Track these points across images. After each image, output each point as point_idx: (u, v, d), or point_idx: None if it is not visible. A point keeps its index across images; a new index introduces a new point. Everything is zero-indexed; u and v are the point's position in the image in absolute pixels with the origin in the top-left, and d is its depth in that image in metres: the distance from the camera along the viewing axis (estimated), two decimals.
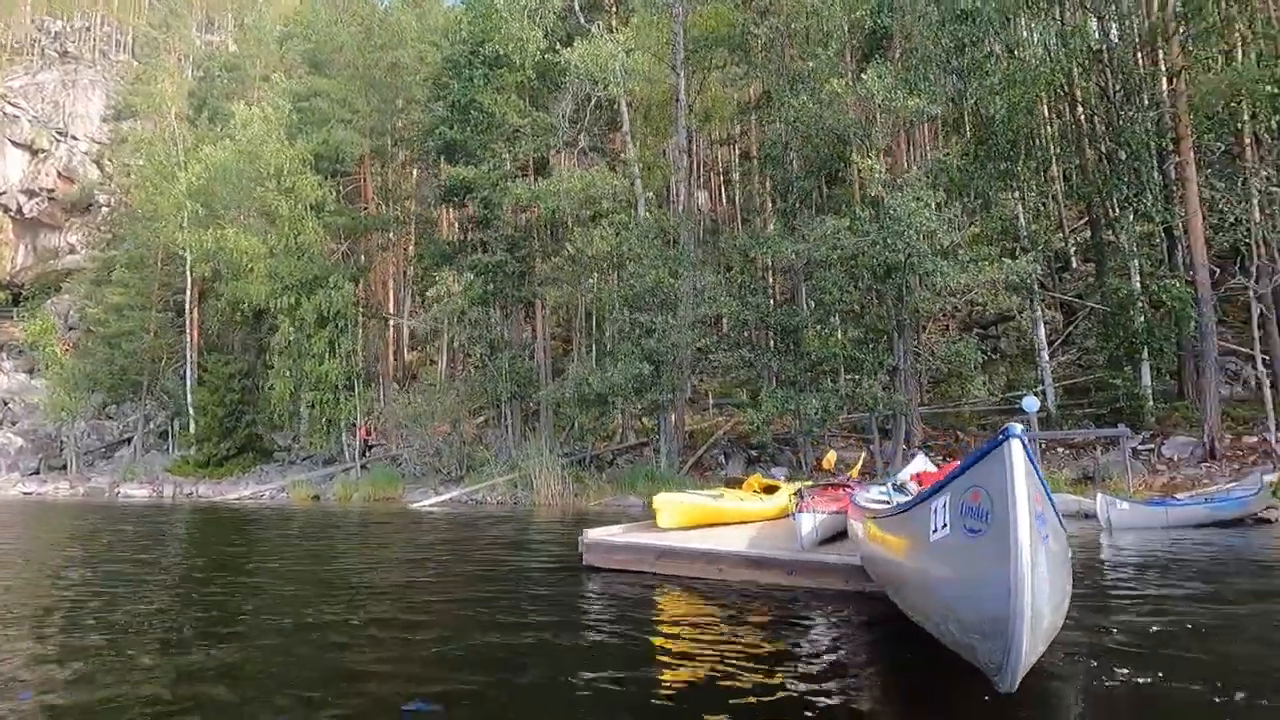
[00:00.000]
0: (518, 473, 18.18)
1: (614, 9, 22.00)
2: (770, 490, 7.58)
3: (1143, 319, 14.48)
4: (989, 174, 15.81)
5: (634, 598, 5.08)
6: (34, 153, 45.55)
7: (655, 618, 4.59)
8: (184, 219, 28.04)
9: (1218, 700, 2.76)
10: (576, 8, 19.66)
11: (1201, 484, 12.20)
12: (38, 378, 39.59)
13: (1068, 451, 15.04)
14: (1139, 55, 15.57)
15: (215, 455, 25.97)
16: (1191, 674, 3.09)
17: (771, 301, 17.55)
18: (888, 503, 4.24)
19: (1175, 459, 13.57)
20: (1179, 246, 15.57)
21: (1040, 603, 2.04)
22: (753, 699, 2.84)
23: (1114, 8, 15.18)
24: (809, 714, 2.67)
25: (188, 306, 30.04)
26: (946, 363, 14.53)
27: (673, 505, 6.33)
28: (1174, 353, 15.12)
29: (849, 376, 16.93)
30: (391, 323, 31.08)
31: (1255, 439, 13.24)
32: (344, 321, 23.55)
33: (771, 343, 18.41)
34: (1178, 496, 11.38)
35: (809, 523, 5.12)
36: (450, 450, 20.94)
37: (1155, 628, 4.05)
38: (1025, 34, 16.50)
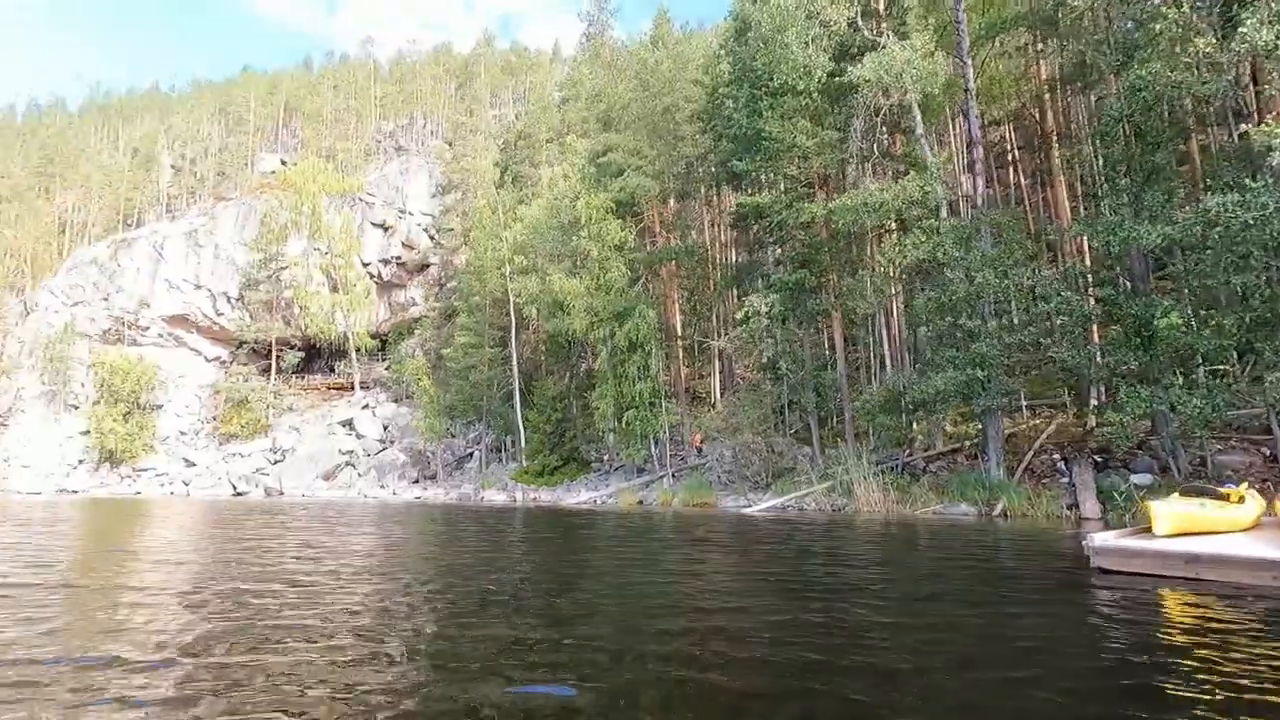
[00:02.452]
0: (836, 480, 18.80)
1: (888, 11, 21.87)
2: (1239, 500, 7.26)
3: None
4: None
5: (1188, 600, 5.19)
6: (385, 229, 57.88)
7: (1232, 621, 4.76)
8: (509, 270, 33.63)
9: None
10: (860, 22, 19.97)
11: None
12: (403, 406, 49.88)
13: None
14: None
15: (547, 466, 30.55)
16: None
17: (1114, 291, 15.99)
18: None
19: None
20: None
21: None
22: None
23: None
24: None
25: (512, 342, 35.82)
26: None
27: (1169, 513, 6.43)
28: None
29: (1209, 368, 14.91)
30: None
31: None
32: (649, 346, 26.34)
33: (1096, 336, 16.77)
34: None
35: None
36: (759, 459, 22.28)
37: None
38: None
